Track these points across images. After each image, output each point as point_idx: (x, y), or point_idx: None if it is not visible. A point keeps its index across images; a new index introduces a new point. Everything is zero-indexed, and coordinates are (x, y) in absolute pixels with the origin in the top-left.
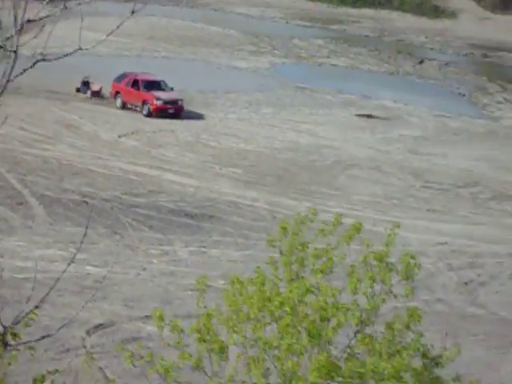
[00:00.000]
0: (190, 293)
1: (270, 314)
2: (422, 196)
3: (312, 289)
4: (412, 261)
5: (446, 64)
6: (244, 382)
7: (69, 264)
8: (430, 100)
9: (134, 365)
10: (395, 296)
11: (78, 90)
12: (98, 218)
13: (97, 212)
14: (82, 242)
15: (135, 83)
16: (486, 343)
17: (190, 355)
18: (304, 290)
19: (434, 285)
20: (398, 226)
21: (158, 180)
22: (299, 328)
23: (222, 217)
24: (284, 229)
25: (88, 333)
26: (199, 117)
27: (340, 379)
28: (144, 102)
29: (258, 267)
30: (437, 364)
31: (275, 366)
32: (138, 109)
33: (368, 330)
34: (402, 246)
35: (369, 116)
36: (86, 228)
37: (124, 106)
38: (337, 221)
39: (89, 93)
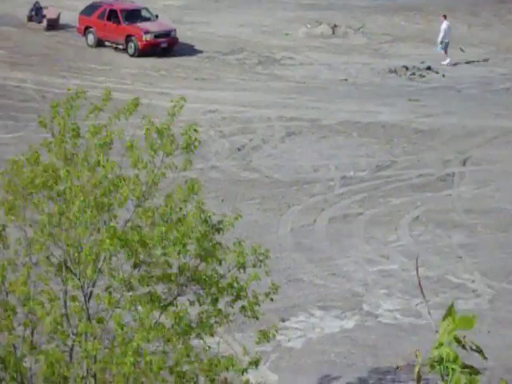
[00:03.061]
0: None
1: (52, 190)
2: (188, 65)
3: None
4: (193, 134)
5: None
6: (26, 263)
7: None
8: None
9: None
10: (176, 167)
11: (30, 19)
12: None
13: None
14: None
15: (112, 15)
16: (263, 206)
17: None
18: (92, 165)
19: (207, 153)
20: (184, 99)
21: None
22: (86, 203)
23: None
24: (55, 108)
25: None
26: None
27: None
28: (128, 39)
29: (31, 145)
30: (217, 230)
31: (59, 244)
32: (121, 46)
33: (148, 204)
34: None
35: None
36: None
37: (99, 44)
38: (107, 95)
39: (45, 22)
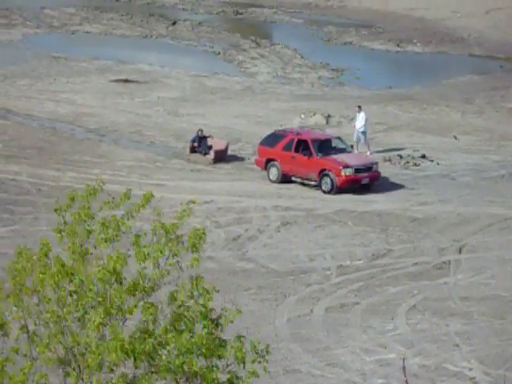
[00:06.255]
0: None
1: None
2: (184, 157)
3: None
4: (198, 235)
5: (199, 24)
6: (26, 354)
7: None
8: (185, 61)
9: None
10: (182, 269)
11: (193, 150)
12: None
13: None
14: None
15: (301, 145)
16: (259, 296)
17: None
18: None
19: (203, 243)
20: (194, 202)
21: None
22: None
23: None
24: (72, 199)
25: None
26: None
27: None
28: (323, 173)
29: (44, 238)
30: (217, 326)
31: (63, 341)
32: (313, 182)
33: (152, 298)
34: (170, 207)
35: (126, 81)
36: None
37: (284, 180)
38: (126, 195)
39: (212, 153)
